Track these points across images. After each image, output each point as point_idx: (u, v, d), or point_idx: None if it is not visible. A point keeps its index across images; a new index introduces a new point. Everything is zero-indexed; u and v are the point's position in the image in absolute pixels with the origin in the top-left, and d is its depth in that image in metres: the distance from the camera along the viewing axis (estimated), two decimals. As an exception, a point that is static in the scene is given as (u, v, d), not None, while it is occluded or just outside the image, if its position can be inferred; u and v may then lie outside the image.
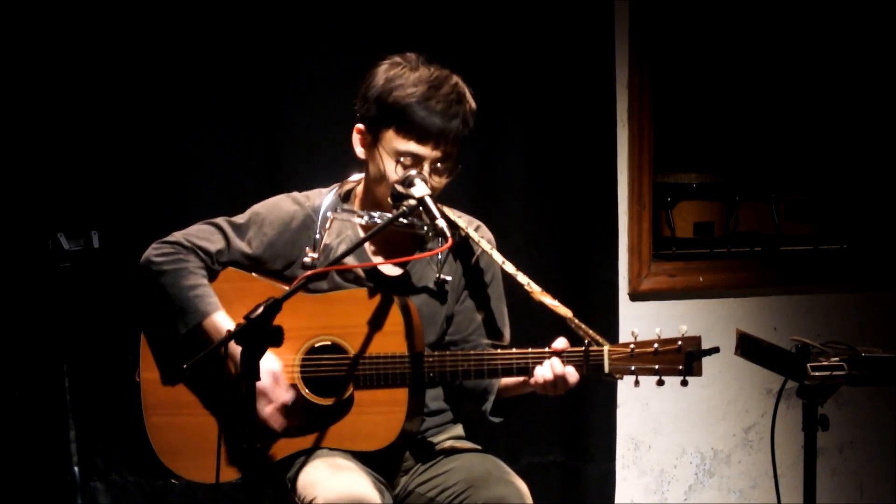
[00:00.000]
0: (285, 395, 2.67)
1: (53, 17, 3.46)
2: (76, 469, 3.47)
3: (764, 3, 4.29)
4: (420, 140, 2.67)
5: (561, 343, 2.62)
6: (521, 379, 2.68)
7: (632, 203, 3.95)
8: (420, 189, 2.63)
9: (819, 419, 2.58)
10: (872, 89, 4.29)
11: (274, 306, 2.31)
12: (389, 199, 2.67)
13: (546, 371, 2.59)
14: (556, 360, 2.59)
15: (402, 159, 2.68)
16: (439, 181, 2.72)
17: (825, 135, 4.38)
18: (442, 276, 2.80)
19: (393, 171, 2.69)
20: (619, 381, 2.63)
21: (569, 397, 2.65)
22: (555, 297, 2.69)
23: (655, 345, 2.55)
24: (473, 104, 2.75)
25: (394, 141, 2.68)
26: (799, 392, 2.58)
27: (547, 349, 2.61)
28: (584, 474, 3.90)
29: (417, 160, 2.68)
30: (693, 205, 4.16)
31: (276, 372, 2.66)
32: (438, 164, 2.70)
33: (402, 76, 2.69)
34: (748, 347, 2.69)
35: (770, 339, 2.66)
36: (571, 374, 2.59)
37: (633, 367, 2.56)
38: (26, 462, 3.56)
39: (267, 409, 2.67)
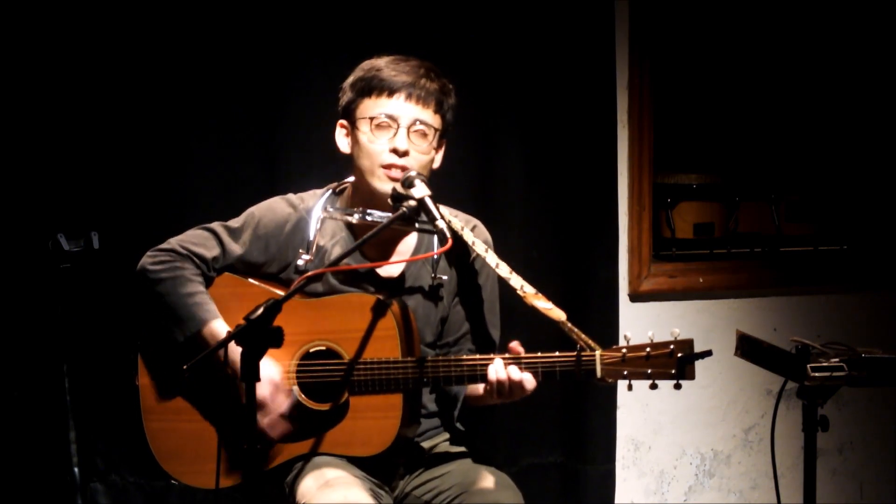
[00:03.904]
0: (284, 404, 2.67)
1: (54, 18, 3.46)
2: (76, 469, 3.47)
3: (764, 3, 4.29)
4: (391, 93, 2.70)
5: (516, 345, 2.62)
6: (482, 389, 2.67)
7: (632, 204, 3.95)
8: (420, 190, 2.63)
9: (819, 420, 2.58)
10: (872, 89, 4.29)
11: (274, 307, 2.31)
12: (389, 200, 2.67)
13: (502, 375, 2.57)
14: (513, 367, 2.58)
15: (376, 122, 2.70)
16: (422, 146, 2.71)
17: (825, 135, 4.38)
18: (438, 277, 2.79)
19: (374, 139, 2.69)
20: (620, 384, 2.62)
21: (569, 398, 2.65)
22: (554, 297, 2.69)
23: (647, 349, 2.54)
24: (450, 85, 2.78)
25: (368, 108, 2.72)
26: (799, 393, 2.58)
27: (540, 354, 2.59)
28: (584, 475, 3.89)
29: (392, 119, 2.69)
30: (693, 205, 4.16)
31: (275, 380, 2.66)
32: (417, 125, 2.70)
33: (371, 60, 2.78)
34: (748, 348, 2.69)
35: (770, 340, 2.66)
36: (528, 380, 2.58)
37: (625, 372, 2.55)
38: (26, 462, 3.56)
39: (266, 420, 2.66)
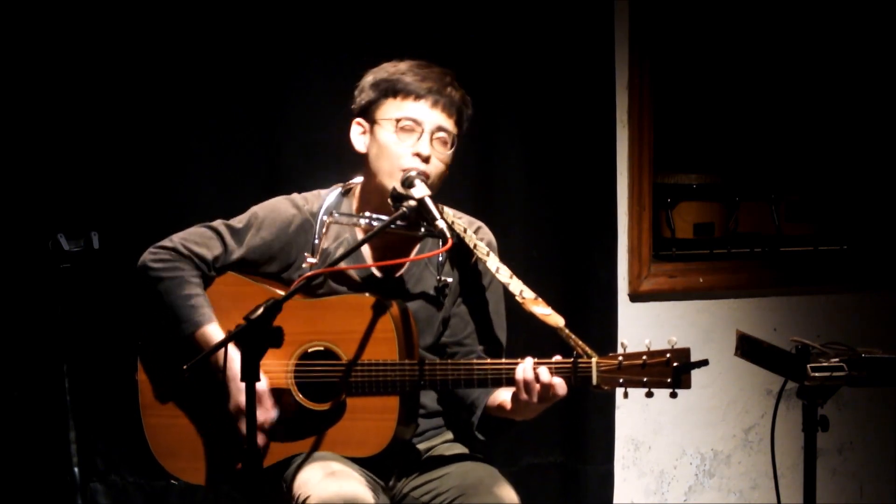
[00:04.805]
0: (267, 414, 2.66)
1: (54, 18, 3.46)
2: (76, 469, 3.47)
3: (764, 3, 4.29)
4: (417, 98, 2.70)
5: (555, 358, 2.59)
6: (508, 401, 2.66)
7: (632, 204, 3.95)
8: (420, 190, 2.63)
9: (819, 420, 2.58)
10: (872, 89, 4.29)
11: (274, 307, 2.31)
12: (389, 200, 2.67)
13: (530, 376, 2.53)
14: (543, 369, 2.54)
15: (401, 124, 2.69)
16: (443, 153, 2.71)
17: (825, 135, 4.38)
18: (442, 279, 2.79)
19: (396, 142, 2.68)
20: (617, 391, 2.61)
21: (568, 399, 2.64)
22: (554, 297, 2.68)
23: (644, 357, 2.52)
24: (468, 96, 2.78)
25: (392, 109, 2.71)
26: (799, 393, 2.58)
27: (536, 360, 2.58)
28: (584, 475, 3.90)
29: (416, 124, 2.69)
30: (693, 205, 4.16)
31: (260, 390, 2.63)
32: (440, 133, 2.70)
33: (392, 63, 2.77)
34: (748, 348, 2.69)
35: (770, 340, 2.66)
36: (560, 385, 2.54)
37: (621, 380, 2.53)
38: (26, 462, 3.56)
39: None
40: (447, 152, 2.73)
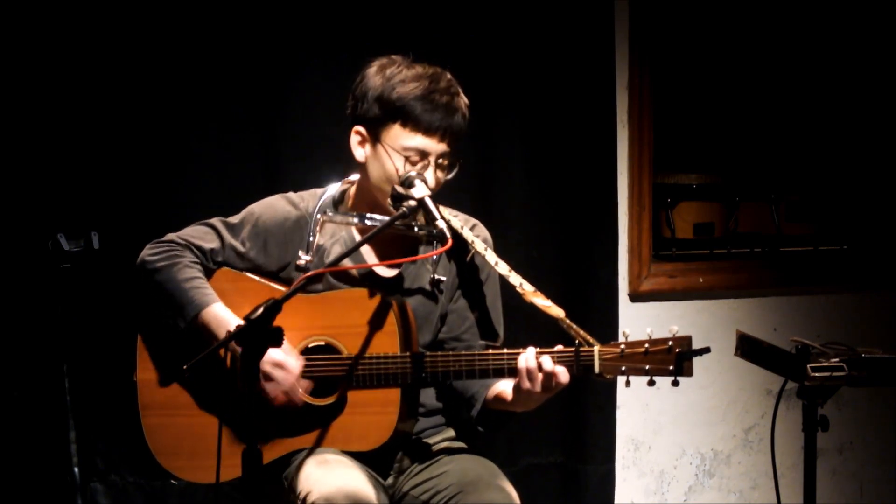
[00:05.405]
0: (297, 366, 2.64)
1: (54, 18, 3.47)
2: (76, 469, 3.47)
3: (764, 4, 4.29)
4: (427, 133, 2.67)
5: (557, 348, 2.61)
6: (508, 392, 2.66)
7: (632, 204, 3.95)
8: (420, 190, 2.63)
9: (819, 420, 2.58)
10: (872, 89, 4.29)
11: (274, 307, 2.30)
12: (389, 200, 2.67)
13: (533, 365, 2.55)
14: (546, 357, 2.55)
15: (409, 155, 2.68)
16: (443, 176, 2.73)
17: (825, 135, 4.38)
18: (437, 276, 2.80)
19: (401, 169, 2.67)
20: (619, 381, 2.62)
21: (568, 398, 2.65)
22: (554, 297, 2.69)
23: (646, 345, 2.54)
24: (466, 99, 2.76)
25: (400, 137, 2.68)
26: (799, 393, 2.58)
27: (538, 349, 2.59)
28: (584, 475, 3.90)
29: (423, 155, 2.68)
30: (693, 205, 4.16)
31: (276, 359, 2.63)
32: (442, 160, 2.70)
33: (399, 73, 2.69)
34: (748, 348, 2.69)
35: (770, 340, 2.66)
36: (563, 373, 2.55)
37: (623, 368, 2.55)
38: (26, 462, 3.56)
39: (280, 391, 2.64)
40: (445, 178, 2.74)
